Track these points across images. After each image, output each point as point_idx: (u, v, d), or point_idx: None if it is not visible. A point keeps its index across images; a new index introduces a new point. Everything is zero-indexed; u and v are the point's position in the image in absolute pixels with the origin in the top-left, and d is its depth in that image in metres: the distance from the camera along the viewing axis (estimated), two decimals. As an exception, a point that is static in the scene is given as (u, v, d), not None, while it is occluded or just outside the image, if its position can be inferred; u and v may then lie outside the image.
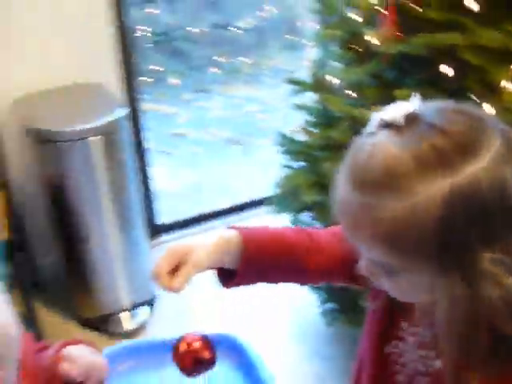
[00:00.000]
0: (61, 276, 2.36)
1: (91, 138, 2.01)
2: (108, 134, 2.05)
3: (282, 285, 1.01)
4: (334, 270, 0.99)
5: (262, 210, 2.99)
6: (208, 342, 0.94)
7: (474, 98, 1.51)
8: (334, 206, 0.76)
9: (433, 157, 0.66)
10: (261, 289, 1.01)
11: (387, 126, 0.71)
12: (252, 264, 0.94)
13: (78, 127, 2.01)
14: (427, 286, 0.73)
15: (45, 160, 2.08)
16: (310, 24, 4.71)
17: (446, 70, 1.52)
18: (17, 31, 2.22)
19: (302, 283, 1.06)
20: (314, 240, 0.99)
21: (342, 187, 0.74)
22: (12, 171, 2.36)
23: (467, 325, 0.70)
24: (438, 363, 0.82)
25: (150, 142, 2.88)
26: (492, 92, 1.49)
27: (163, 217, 2.99)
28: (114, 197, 2.18)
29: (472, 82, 1.52)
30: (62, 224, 2.22)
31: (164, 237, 2.93)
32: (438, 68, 1.54)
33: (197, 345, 0.92)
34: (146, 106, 4.50)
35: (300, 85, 1.97)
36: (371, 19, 1.74)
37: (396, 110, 0.72)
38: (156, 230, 2.91)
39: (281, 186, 2.09)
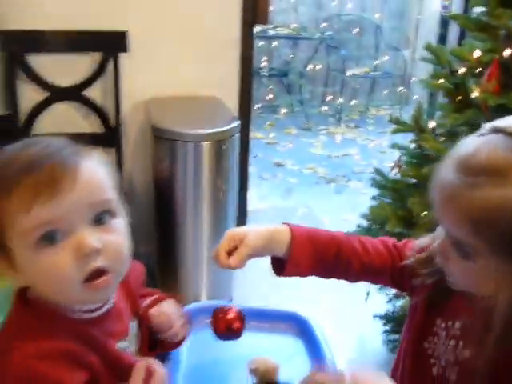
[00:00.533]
0: (150, 266, 2.59)
1: (205, 143, 2.25)
2: (220, 141, 2.29)
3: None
4: (377, 271, 1.08)
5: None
6: (241, 316, 1.06)
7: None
8: (432, 186, 0.85)
9: None
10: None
11: (497, 131, 0.80)
12: (300, 254, 1.05)
13: (196, 131, 2.26)
14: (496, 276, 0.79)
15: (162, 155, 2.33)
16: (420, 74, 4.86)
17: None
18: (157, 44, 2.55)
19: (347, 279, 1.12)
20: (361, 242, 1.09)
21: (445, 170, 0.82)
22: (129, 162, 2.67)
23: None
24: (467, 353, 0.90)
25: (251, 166, 3.10)
26: None
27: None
28: (213, 200, 2.39)
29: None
30: (162, 216, 2.45)
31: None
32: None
33: (231, 316, 1.05)
34: (255, 133, 4.81)
35: (401, 125, 2.13)
36: (475, 72, 1.88)
37: (508, 121, 0.82)
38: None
39: (368, 217, 2.22)
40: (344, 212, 3.64)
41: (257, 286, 2.63)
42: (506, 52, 1.67)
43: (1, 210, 0.77)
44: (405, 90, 6.25)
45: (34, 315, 0.82)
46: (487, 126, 0.83)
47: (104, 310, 0.87)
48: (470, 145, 0.82)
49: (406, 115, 5.45)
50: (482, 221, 0.77)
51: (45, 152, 0.79)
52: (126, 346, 0.90)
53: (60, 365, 0.78)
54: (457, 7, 4.12)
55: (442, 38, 4.41)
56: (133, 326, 0.93)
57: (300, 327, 1.15)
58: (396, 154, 2.26)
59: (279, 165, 4.72)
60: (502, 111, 1.76)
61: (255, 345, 1.09)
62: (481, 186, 0.76)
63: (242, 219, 3.06)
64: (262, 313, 1.20)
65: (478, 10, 1.90)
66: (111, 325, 0.88)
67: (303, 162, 4.78)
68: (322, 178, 4.53)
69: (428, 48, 2.07)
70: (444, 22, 4.51)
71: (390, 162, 2.36)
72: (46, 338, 0.79)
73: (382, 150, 5.05)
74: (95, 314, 0.86)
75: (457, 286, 0.90)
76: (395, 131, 2.10)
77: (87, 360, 0.81)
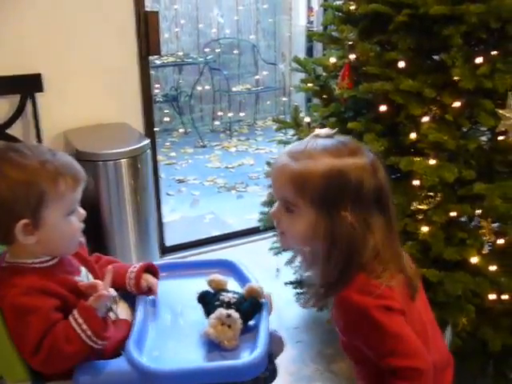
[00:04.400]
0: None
1: (123, 160, 2.63)
2: (135, 157, 2.68)
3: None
4: None
5: (249, 239, 3.68)
6: None
7: (403, 128, 2.15)
8: (270, 172, 1.26)
9: (334, 149, 1.20)
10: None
11: (314, 135, 1.25)
12: None
13: (113, 151, 2.64)
14: (312, 223, 1.18)
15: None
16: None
17: (383, 108, 2.15)
18: (68, 82, 2.92)
19: None
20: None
21: (280, 158, 1.23)
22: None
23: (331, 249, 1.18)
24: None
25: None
26: (414, 124, 2.12)
27: (168, 241, 3.59)
28: (135, 213, 2.76)
29: (402, 118, 2.15)
30: (91, 230, 2.77)
31: (171, 256, 3.52)
32: (378, 107, 2.17)
33: None
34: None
35: (283, 123, 2.61)
36: (333, 74, 2.40)
37: (321, 130, 1.27)
38: (164, 250, 3.49)
39: (267, 203, 2.68)
40: (246, 213, 4.08)
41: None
42: (352, 57, 2.19)
43: (47, 190, 1.21)
44: (286, 100, 6.85)
45: (11, 273, 1.26)
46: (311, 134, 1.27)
47: (55, 261, 1.31)
48: (295, 143, 1.29)
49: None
50: (299, 182, 1.18)
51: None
52: (81, 279, 1.34)
53: (35, 296, 1.21)
54: (319, 22, 4.72)
55: (310, 50, 4.97)
56: (82, 270, 1.38)
57: (229, 269, 1.56)
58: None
59: (181, 181, 5.09)
60: (354, 101, 2.28)
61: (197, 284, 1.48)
62: (298, 161, 1.19)
63: (160, 230, 3.44)
64: (195, 263, 1.61)
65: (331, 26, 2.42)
66: (65, 267, 1.33)
67: (203, 175, 5.18)
68: (222, 187, 4.96)
69: (296, 60, 2.57)
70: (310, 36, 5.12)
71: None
72: (23, 281, 1.23)
73: (272, 156, 5.58)
74: (51, 263, 1.30)
75: (287, 243, 1.32)
76: (278, 128, 2.58)
77: (56, 291, 1.24)
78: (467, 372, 2.14)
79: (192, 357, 1.24)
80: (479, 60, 2.03)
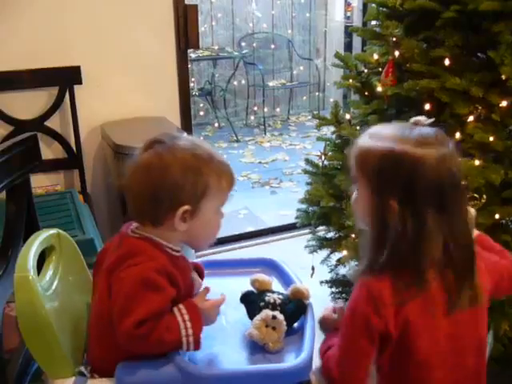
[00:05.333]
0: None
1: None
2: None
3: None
4: None
5: (284, 235, 3.65)
6: None
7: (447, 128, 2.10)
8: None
9: (411, 136, 1.21)
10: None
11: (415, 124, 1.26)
12: None
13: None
14: (369, 203, 1.21)
15: (124, 170, 2.68)
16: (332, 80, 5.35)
17: (427, 107, 2.10)
18: (106, 75, 2.92)
19: None
20: None
21: (360, 139, 1.29)
22: (91, 180, 3.01)
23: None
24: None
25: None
26: (459, 123, 2.07)
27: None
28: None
29: (446, 116, 2.10)
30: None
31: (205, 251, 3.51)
32: (422, 106, 2.12)
33: None
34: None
35: (323, 120, 2.57)
36: (376, 71, 2.36)
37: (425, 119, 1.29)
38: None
39: (305, 200, 2.65)
40: (280, 209, 4.06)
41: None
42: (396, 53, 2.14)
43: (212, 183, 1.24)
44: (321, 95, 6.80)
45: (152, 246, 1.25)
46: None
47: (182, 253, 1.32)
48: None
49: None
50: (360, 158, 1.23)
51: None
52: (195, 277, 1.37)
53: (165, 278, 1.20)
54: (357, 18, 4.67)
55: (349, 46, 4.92)
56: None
57: (272, 268, 1.54)
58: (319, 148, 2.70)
59: (216, 175, 5.10)
60: (398, 98, 2.23)
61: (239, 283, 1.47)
62: (370, 139, 1.25)
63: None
64: (237, 262, 1.60)
65: (373, 22, 2.38)
66: (185, 262, 1.34)
67: (237, 170, 5.04)
68: (256, 182, 4.94)
69: (337, 56, 2.53)
70: (348, 32, 5.05)
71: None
72: (159, 259, 1.22)
73: (306, 152, 5.54)
74: (179, 254, 1.31)
75: (357, 223, 1.34)
76: (319, 125, 2.53)
77: (179, 282, 1.24)
78: (508, 378, 2.09)
79: (236, 359, 1.22)
80: (530, 58, 1.97)
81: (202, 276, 1.45)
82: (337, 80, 2.63)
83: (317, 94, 6.83)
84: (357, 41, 4.31)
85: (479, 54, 2.09)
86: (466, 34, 2.03)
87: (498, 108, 2.03)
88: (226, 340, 1.28)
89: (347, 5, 5.89)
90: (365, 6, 3.53)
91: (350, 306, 1.22)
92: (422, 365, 1.21)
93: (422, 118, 1.26)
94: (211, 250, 3.50)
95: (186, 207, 1.22)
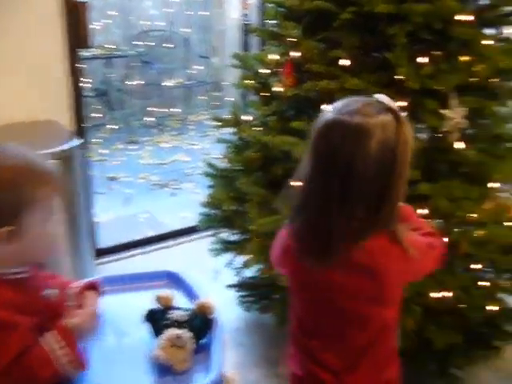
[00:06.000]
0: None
1: (50, 161, 2.46)
2: (65, 159, 2.51)
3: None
4: None
5: (185, 238, 3.58)
6: None
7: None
8: None
9: None
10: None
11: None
12: None
13: (41, 152, 2.46)
14: None
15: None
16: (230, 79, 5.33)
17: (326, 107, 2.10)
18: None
19: None
20: None
21: None
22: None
23: None
24: None
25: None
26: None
27: (102, 242, 3.44)
28: (68, 218, 2.61)
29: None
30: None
31: (105, 258, 3.38)
32: (321, 106, 2.12)
33: None
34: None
35: (222, 121, 2.52)
36: (275, 71, 2.33)
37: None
38: (98, 253, 3.34)
39: (207, 203, 2.59)
40: (181, 211, 3.98)
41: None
42: (295, 54, 2.12)
43: (31, 199, 1.12)
44: (218, 94, 6.75)
45: None
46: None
47: (27, 274, 1.18)
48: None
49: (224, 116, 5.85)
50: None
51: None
52: (51, 292, 1.23)
53: (13, 311, 1.08)
54: (254, 16, 4.64)
55: (246, 45, 4.90)
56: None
57: (175, 281, 1.47)
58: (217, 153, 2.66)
59: (113, 178, 4.93)
60: (297, 99, 2.21)
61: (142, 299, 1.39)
62: None
63: (93, 231, 3.28)
64: (137, 276, 1.51)
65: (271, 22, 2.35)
66: (35, 281, 1.21)
67: (135, 172, 5.02)
68: (155, 184, 4.82)
69: (235, 56, 2.49)
70: (246, 30, 5.01)
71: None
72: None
73: (205, 152, 5.48)
74: (23, 275, 1.18)
75: None
76: (219, 127, 2.49)
77: (33, 307, 1.12)
78: (413, 371, 2.14)
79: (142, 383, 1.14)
80: (423, 60, 2.02)
81: (98, 292, 1.35)
82: (235, 79, 2.60)
83: (215, 93, 6.78)
84: (254, 39, 4.29)
85: (376, 55, 2.11)
86: (363, 35, 2.04)
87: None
88: (130, 363, 1.20)
89: (244, 3, 5.86)
90: (262, 4, 3.52)
91: None
92: None
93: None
94: (111, 257, 3.37)
95: (7, 228, 1.11)
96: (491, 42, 2.13)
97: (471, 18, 2.04)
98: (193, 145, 5.92)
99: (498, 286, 2.27)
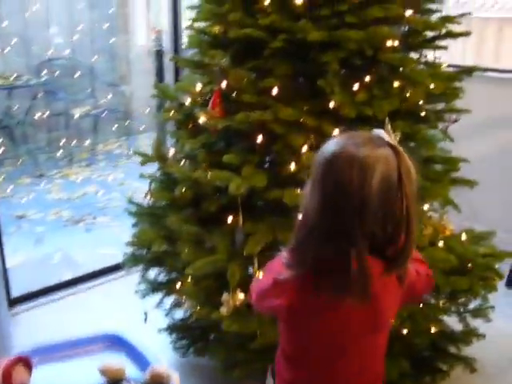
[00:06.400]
0: None
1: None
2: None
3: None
4: None
5: (107, 278, 3.37)
6: None
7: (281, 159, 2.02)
8: None
9: None
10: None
11: None
12: None
13: None
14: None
15: None
16: (146, 109, 5.17)
17: (260, 139, 2.01)
18: None
19: None
20: None
21: None
22: None
23: None
24: None
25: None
26: (294, 155, 1.99)
27: (15, 290, 3.16)
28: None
29: (280, 147, 2.02)
30: None
31: (20, 307, 3.10)
32: (254, 137, 2.02)
33: None
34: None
35: (145, 157, 2.37)
36: (200, 102, 2.21)
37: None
38: (11, 302, 3.07)
39: (134, 243, 2.42)
40: (98, 247, 3.77)
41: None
42: (223, 84, 2.02)
43: None
44: (129, 123, 6.54)
45: None
46: None
47: None
48: None
49: (136, 145, 5.70)
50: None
51: None
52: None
53: None
54: (168, 43, 4.50)
55: (160, 73, 4.75)
56: None
57: (118, 344, 1.31)
58: (132, 183, 2.50)
59: (21, 216, 4.62)
60: (227, 131, 2.09)
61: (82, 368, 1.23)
62: None
63: (5, 278, 3.01)
64: (75, 342, 1.34)
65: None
66: None
67: (45, 208, 4.74)
68: (68, 220, 4.57)
69: (156, 86, 2.36)
70: (159, 58, 4.88)
71: (131, 191, 2.57)
72: None
73: (119, 182, 5.27)
74: None
75: None
76: (143, 162, 2.33)
77: None
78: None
79: None
80: (356, 86, 1.97)
81: (29, 367, 1.17)
82: (147, 107, 2.46)
83: (124, 122, 6.56)
84: (169, 67, 4.16)
85: (308, 83, 2.04)
86: (295, 63, 1.97)
87: (331, 136, 1.99)
88: None
89: (152, 29, 5.73)
90: (176, 30, 3.40)
91: None
92: None
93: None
94: (27, 306, 3.11)
95: None
96: (420, 67, 2.12)
97: (398, 43, 2.02)
98: (104, 176, 5.68)
99: (440, 308, 2.25)
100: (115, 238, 2.92)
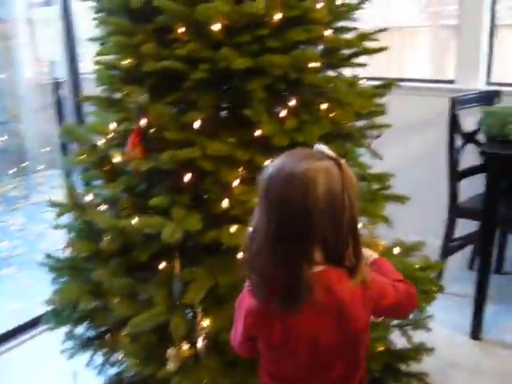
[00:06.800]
0: None
1: None
2: None
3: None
4: None
5: (25, 336, 3.08)
6: None
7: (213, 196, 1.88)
8: None
9: None
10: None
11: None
12: None
13: None
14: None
15: None
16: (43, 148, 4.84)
17: (188, 177, 1.86)
18: None
19: None
20: None
21: None
22: None
23: None
24: None
25: None
26: (226, 191, 1.87)
27: None
28: None
29: (210, 185, 1.88)
30: None
31: None
32: (180, 176, 1.88)
33: None
34: None
35: (60, 206, 2.16)
36: (117, 142, 2.04)
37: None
38: None
39: (54, 301, 2.19)
40: (7, 302, 3.46)
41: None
42: (143, 122, 1.85)
43: None
44: (25, 163, 6.15)
45: None
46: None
47: None
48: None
49: (33, 185, 5.32)
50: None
51: None
52: None
53: None
54: (60, 75, 4.23)
55: (57, 106, 4.46)
56: None
57: None
58: (33, 228, 2.27)
59: None
60: (150, 172, 1.92)
61: None
62: None
63: None
64: None
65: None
66: None
67: None
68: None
69: (65, 129, 2.15)
70: (55, 90, 4.58)
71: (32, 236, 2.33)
72: None
73: (20, 228, 4.91)
74: None
75: None
76: (60, 214, 2.12)
77: None
78: None
79: None
80: (284, 113, 1.87)
81: None
82: (43, 145, 2.25)
83: (20, 161, 6.16)
84: (66, 101, 3.91)
85: (235, 113, 1.92)
86: (219, 93, 1.85)
87: (263, 168, 1.88)
88: None
89: (38, 61, 5.42)
90: (73, 61, 3.19)
91: None
92: None
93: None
94: None
95: None
96: (344, 86, 2.06)
97: (319, 64, 1.95)
98: (2, 222, 5.29)
99: (381, 324, 2.19)
100: (24, 290, 2.61)
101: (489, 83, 3.59)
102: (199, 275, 1.82)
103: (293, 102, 1.90)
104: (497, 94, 3.41)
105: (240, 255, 1.82)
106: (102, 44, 2.09)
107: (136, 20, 1.94)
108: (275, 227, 1.21)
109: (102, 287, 1.99)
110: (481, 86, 3.56)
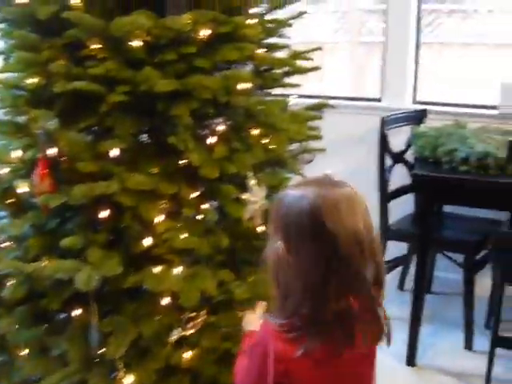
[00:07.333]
0: None
1: None
2: None
3: None
4: None
5: None
6: None
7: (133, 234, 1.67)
8: None
9: None
10: None
11: None
12: None
13: None
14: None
15: None
16: None
17: (104, 214, 1.63)
18: None
19: None
20: None
21: None
22: None
23: None
24: None
25: None
26: (148, 228, 1.65)
27: None
28: None
29: (129, 221, 1.66)
30: None
31: None
32: (97, 212, 1.64)
33: None
34: None
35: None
36: (23, 172, 1.78)
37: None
38: None
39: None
40: None
41: None
42: (52, 151, 1.61)
43: None
44: None
45: None
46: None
47: None
48: None
49: None
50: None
51: None
52: None
53: None
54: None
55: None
56: None
57: None
58: None
59: None
60: (60, 207, 1.68)
61: None
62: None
63: None
64: None
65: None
66: None
67: None
68: None
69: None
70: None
71: None
72: None
73: None
74: None
75: None
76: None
77: None
78: None
79: None
80: (213, 139, 1.69)
81: None
82: None
83: None
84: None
85: (158, 140, 1.72)
86: (140, 119, 1.63)
87: (189, 201, 1.69)
88: None
89: None
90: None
91: None
92: None
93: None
94: None
95: None
96: (277, 110, 1.90)
97: (251, 85, 1.78)
98: None
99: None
100: None
101: (415, 102, 3.54)
102: (120, 325, 1.60)
103: (222, 128, 1.72)
104: (424, 113, 3.35)
105: (166, 301, 1.63)
106: (5, 59, 1.84)
107: (44, 33, 1.71)
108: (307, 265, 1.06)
109: (5, 341, 1.73)
110: (407, 104, 3.50)
